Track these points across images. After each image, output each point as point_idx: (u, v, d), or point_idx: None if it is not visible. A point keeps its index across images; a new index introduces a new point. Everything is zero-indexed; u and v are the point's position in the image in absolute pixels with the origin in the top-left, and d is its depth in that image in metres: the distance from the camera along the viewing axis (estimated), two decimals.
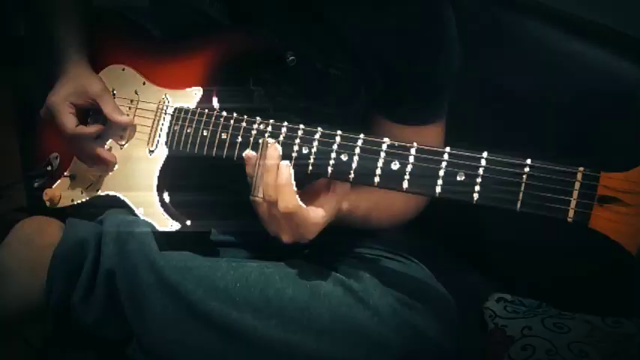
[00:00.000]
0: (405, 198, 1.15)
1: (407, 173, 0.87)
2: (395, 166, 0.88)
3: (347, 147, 0.92)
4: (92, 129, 1.19)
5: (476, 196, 0.82)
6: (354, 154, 0.92)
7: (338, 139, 0.94)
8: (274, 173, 0.95)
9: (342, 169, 0.93)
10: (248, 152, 0.99)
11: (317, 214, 0.96)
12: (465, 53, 1.18)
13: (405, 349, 0.99)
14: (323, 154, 0.95)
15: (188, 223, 1.09)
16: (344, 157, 0.92)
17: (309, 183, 1.23)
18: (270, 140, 0.98)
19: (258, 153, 0.98)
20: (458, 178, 0.83)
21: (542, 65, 1.42)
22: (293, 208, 0.94)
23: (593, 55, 1.38)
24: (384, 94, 1.16)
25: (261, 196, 0.96)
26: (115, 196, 1.17)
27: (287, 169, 0.94)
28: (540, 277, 1.43)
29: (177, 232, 1.09)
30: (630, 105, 1.31)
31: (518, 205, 0.80)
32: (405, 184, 0.87)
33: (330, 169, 0.94)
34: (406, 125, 1.17)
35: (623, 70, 1.34)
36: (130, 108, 1.20)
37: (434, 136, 1.19)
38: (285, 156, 0.97)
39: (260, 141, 0.98)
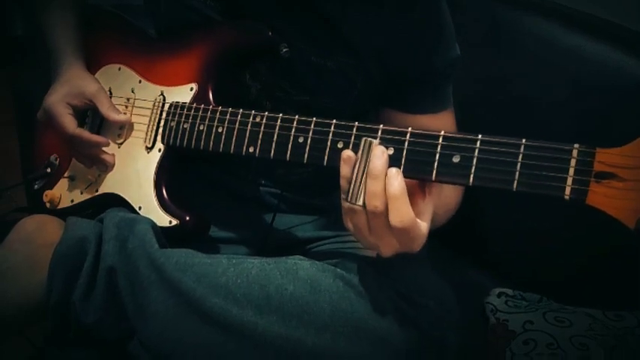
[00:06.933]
0: (454, 190, 1.14)
1: (403, 158, 0.86)
2: (391, 151, 0.87)
3: (342, 135, 0.92)
4: (95, 138, 1.18)
5: (472, 177, 0.82)
6: (350, 142, 0.91)
7: (333, 127, 0.93)
8: (382, 181, 0.83)
9: (337, 156, 0.90)
10: (347, 152, 0.87)
11: (425, 225, 0.87)
12: (465, 49, 1.18)
13: (406, 344, 0.98)
14: (318, 143, 0.94)
15: (187, 219, 1.10)
16: (340, 145, 0.92)
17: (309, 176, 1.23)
18: (374, 141, 0.85)
19: (358, 154, 0.85)
20: (453, 160, 0.83)
21: (541, 60, 1.43)
22: (409, 222, 0.83)
23: (593, 50, 1.39)
24: (392, 86, 1.16)
25: (361, 204, 0.85)
26: (115, 194, 1.18)
27: (399, 177, 0.83)
28: (541, 271, 1.43)
29: (176, 228, 1.09)
30: (630, 100, 1.32)
31: (515, 184, 0.79)
32: (402, 169, 0.86)
33: (325, 158, 0.93)
34: (419, 114, 1.17)
35: (624, 64, 1.35)
36: (126, 107, 1.21)
37: (447, 122, 1.20)
38: (281, 146, 0.97)
39: (362, 140, 0.85)
